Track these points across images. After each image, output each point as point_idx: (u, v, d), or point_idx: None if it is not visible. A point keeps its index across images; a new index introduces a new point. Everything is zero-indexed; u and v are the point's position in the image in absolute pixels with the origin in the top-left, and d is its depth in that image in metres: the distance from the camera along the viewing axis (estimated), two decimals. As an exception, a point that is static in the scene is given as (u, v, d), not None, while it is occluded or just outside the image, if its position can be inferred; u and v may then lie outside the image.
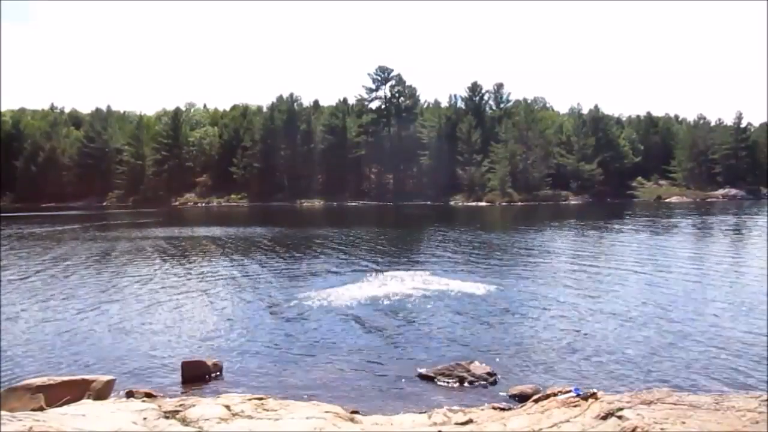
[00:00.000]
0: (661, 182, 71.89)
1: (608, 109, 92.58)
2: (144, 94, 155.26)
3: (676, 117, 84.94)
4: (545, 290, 12.53)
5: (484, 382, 6.85)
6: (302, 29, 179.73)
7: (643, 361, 7.61)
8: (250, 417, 4.65)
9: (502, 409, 5.29)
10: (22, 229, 31.89)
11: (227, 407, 4.81)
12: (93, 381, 5.80)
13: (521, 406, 5.28)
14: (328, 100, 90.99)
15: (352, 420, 4.92)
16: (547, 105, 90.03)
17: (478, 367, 7.11)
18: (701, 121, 75.50)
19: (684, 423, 3.90)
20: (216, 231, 30.50)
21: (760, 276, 13.83)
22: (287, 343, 8.73)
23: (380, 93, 73.92)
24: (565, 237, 25.78)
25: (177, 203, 68.99)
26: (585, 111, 75.24)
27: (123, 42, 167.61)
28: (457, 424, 4.73)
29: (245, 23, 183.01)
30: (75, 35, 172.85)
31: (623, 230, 28.22)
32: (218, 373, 7.37)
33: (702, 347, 8.15)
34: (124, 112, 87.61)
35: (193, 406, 4.84)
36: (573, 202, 62.95)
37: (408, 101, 74.34)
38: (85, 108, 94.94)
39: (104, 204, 70.38)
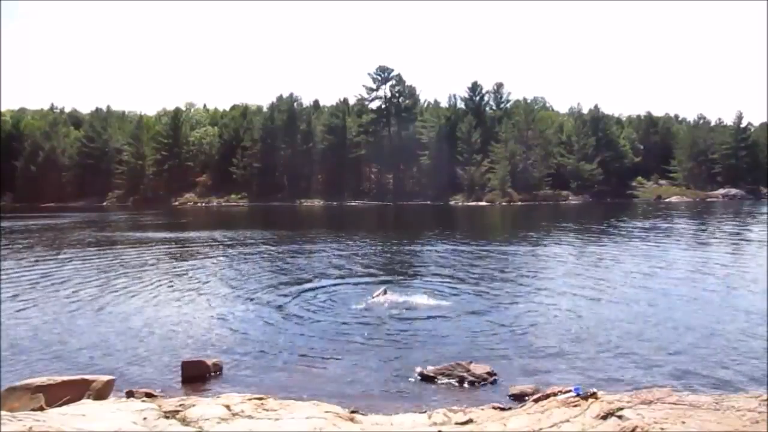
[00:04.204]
0: (661, 182, 71.93)
1: (608, 109, 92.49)
2: (144, 94, 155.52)
3: (676, 117, 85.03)
4: (545, 291, 12.53)
5: (484, 382, 6.85)
6: (302, 29, 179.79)
7: (643, 360, 7.61)
8: (250, 417, 4.65)
9: (502, 409, 5.29)
10: (21, 233, 31.89)
11: (227, 407, 4.81)
12: (93, 381, 5.79)
13: (521, 406, 5.28)
14: (328, 100, 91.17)
15: (352, 420, 4.92)
16: (547, 105, 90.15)
17: (478, 367, 7.10)
18: (701, 121, 75.56)
19: (684, 423, 3.90)
20: (216, 231, 30.49)
21: (760, 276, 13.82)
22: (287, 343, 8.73)
23: (380, 93, 73.95)
24: (565, 238, 25.79)
25: (177, 203, 68.97)
26: (585, 111, 75.39)
27: (123, 42, 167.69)
28: (457, 424, 4.73)
29: (245, 23, 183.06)
30: (74, 35, 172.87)
31: (623, 231, 28.23)
32: (218, 373, 7.36)
33: (702, 347, 8.15)
34: (124, 112, 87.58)
35: (193, 406, 4.84)
36: (573, 202, 63.00)
37: (408, 101, 74.35)
38: (85, 108, 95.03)
39: (104, 204, 70.36)
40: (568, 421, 4.31)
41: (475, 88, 74.77)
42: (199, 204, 69.21)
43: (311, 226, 36.30)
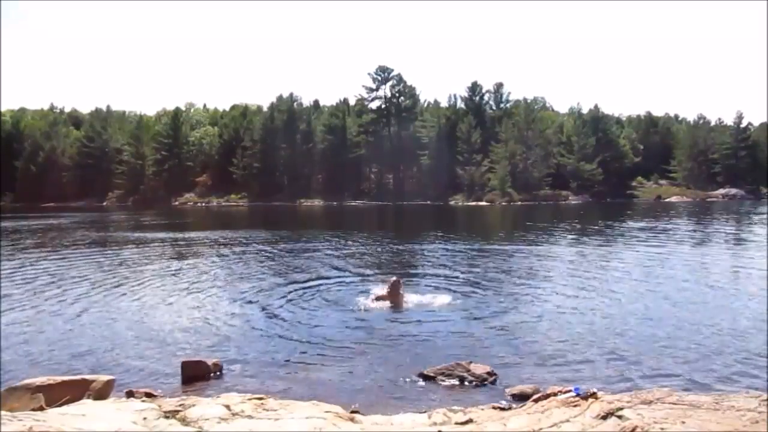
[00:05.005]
0: (661, 182, 71.95)
1: (608, 109, 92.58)
2: (144, 94, 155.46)
3: (676, 117, 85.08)
4: (545, 291, 12.53)
5: (484, 382, 6.85)
6: (302, 29, 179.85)
7: (644, 360, 7.61)
8: (250, 417, 4.65)
9: (502, 409, 5.30)
10: (22, 233, 31.90)
11: (227, 407, 4.81)
12: (93, 381, 5.80)
13: (521, 406, 5.28)
14: (328, 100, 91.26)
15: (352, 420, 4.92)
16: (547, 105, 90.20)
17: (478, 367, 7.10)
18: (701, 121, 75.55)
19: (684, 423, 3.91)
20: (216, 231, 30.49)
21: (759, 275, 13.83)
22: (287, 343, 8.73)
23: (380, 93, 73.92)
24: (565, 238, 25.79)
25: (177, 203, 68.99)
26: (585, 111, 75.39)
27: (123, 42, 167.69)
28: (457, 423, 4.73)
29: (245, 23, 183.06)
30: (74, 35, 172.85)
31: (623, 231, 28.23)
32: (218, 373, 7.37)
33: (702, 347, 8.15)
34: (124, 112, 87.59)
35: (193, 405, 4.85)
36: (573, 202, 62.98)
37: (408, 101, 74.32)
38: (85, 108, 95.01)
39: (104, 204, 70.35)
40: (568, 421, 4.31)
41: (475, 88, 74.75)
42: (199, 204, 69.19)
43: (311, 226, 36.29)
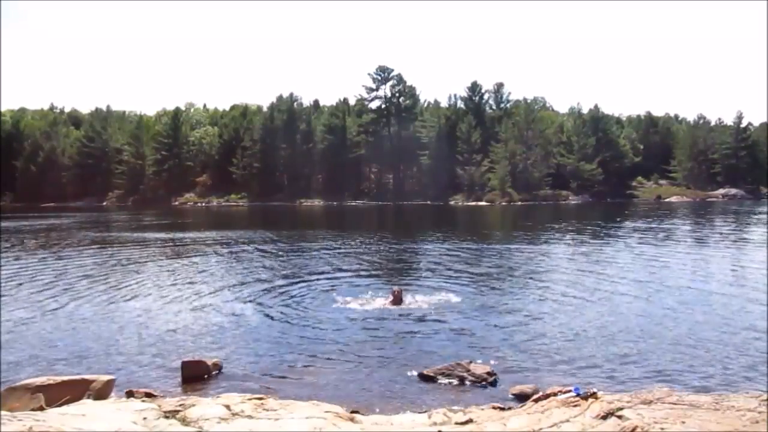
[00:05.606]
0: (661, 182, 71.95)
1: (608, 109, 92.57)
2: (144, 94, 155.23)
3: (676, 117, 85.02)
4: (545, 291, 12.53)
5: (484, 382, 6.86)
6: (302, 29, 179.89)
7: (644, 360, 7.61)
8: (250, 417, 4.65)
9: (502, 409, 5.30)
10: (21, 233, 31.89)
11: (227, 407, 4.81)
12: (93, 381, 5.80)
13: (521, 406, 5.28)
14: (328, 100, 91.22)
15: (352, 420, 4.92)
16: (547, 105, 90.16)
17: (478, 367, 7.11)
18: (701, 121, 75.51)
19: (684, 423, 3.91)
20: (216, 231, 30.49)
21: (759, 275, 13.83)
22: (287, 343, 8.73)
23: (380, 93, 73.88)
24: (565, 238, 25.78)
25: (177, 203, 68.97)
26: (585, 111, 75.38)
27: (123, 42, 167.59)
28: (457, 423, 4.73)
29: (245, 23, 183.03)
30: (74, 35, 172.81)
31: (622, 231, 28.23)
32: (218, 373, 7.37)
33: (702, 347, 8.15)
34: (124, 112, 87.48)
35: (193, 405, 4.85)
36: (573, 202, 62.99)
37: (408, 101, 74.28)
38: (85, 108, 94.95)
39: (104, 204, 70.35)
40: (568, 421, 4.31)
41: (475, 88, 74.70)
42: (199, 204, 69.18)
43: (311, 226, 36.30)
